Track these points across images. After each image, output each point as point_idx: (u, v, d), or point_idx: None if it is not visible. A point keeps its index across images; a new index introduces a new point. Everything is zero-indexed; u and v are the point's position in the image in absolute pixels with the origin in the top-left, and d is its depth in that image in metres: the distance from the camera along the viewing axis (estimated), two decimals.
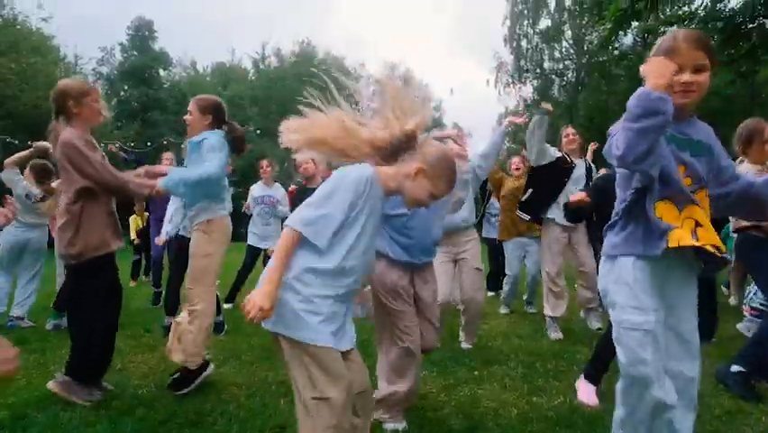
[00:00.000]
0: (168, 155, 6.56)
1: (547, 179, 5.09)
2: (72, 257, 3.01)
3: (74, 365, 3.08)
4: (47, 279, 5.96)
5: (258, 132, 24.23)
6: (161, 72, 32.91)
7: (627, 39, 15.27)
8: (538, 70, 25.78)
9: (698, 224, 1.81)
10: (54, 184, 5.38)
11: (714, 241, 1.80)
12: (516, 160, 6.41)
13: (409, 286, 2.82)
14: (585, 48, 24.08)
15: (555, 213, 5.03)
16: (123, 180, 3.07)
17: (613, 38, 9.56)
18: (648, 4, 7.61)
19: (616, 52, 11.54)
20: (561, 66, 25.80)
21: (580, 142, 5.41)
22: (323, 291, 1.77)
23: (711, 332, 4.71)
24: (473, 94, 53.46)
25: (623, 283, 1.87)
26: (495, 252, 7.50)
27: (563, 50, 25.68)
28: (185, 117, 3.43)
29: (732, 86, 13.48)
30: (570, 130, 5.47)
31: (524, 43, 25.39)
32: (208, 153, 3.16)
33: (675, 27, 11.62)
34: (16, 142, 16.13)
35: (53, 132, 3.12)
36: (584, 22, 22.63)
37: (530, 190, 5.22)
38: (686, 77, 1.77)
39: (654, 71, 1.69)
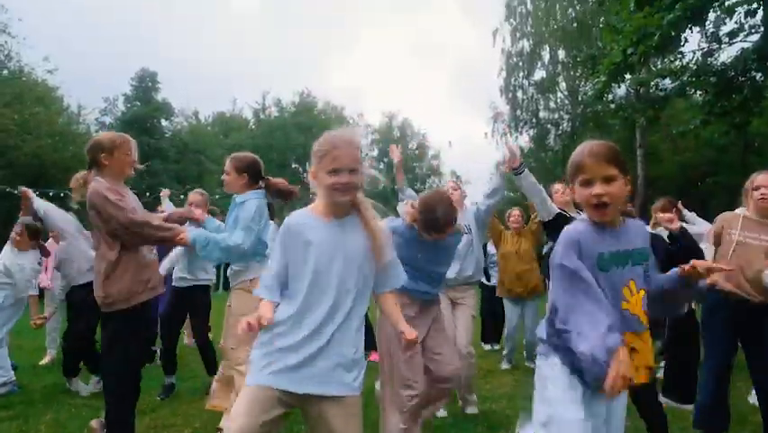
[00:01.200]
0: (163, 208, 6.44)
1: (555, 236, 5.10)
2: (104, 305, 3.01)
3: (112, 420, 2.97)
4: (30, 333, 5.78)
5: None
6: (163, 122, 33.41)
7: (621, 89, 15.56)
8: (534, 120, 26.19)
9: (633, 349, 1.77)
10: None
11: (647, 363, 1.81)
12: (515, 212, 6.31)
13: (417, 318, 2.86)
14: (579, 98, 24.54)
15: None
16: (149, 222, 3.07)
17: (607, 90, 9.72)
18: (641, 58, 7.76)
19: (612, 106, 11.70)
20: (556, 116, 26.23)
21: (572, 196, 5.39)
22: (282, 338, 1.89)
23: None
24: (471, 143, 54.29)
25: (557, 378, 1.81)
26: (494, 300, 7.31)
27: (558, 100, 26.17)
28: (222, 177, 3.49)
29: (726, 136, 13.67)
30: (557, 186, 5.46)
31: (519, 94, 25.90)
32: (243, 223, 3.22)
33: (668, 80, 11.87)
34: (15, 192, 16.22)
35: (82, 180, 3.21)
36: (578, 74, 23.15)
37: (548, 244, 5.29)
38: (596, 189, 1.78)
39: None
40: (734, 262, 3.38)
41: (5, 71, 23.53)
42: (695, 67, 10.33)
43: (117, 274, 2.98)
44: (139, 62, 53.65)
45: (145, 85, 32.18)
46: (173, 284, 4.90)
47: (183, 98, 55.45)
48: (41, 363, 6.45)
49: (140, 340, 3.21)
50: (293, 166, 40.68)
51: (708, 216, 4.95)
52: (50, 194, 17.81)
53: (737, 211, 3.67)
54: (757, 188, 3.52)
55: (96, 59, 47.75)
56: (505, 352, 6.34)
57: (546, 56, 25.41)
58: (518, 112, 26.11)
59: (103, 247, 3.01)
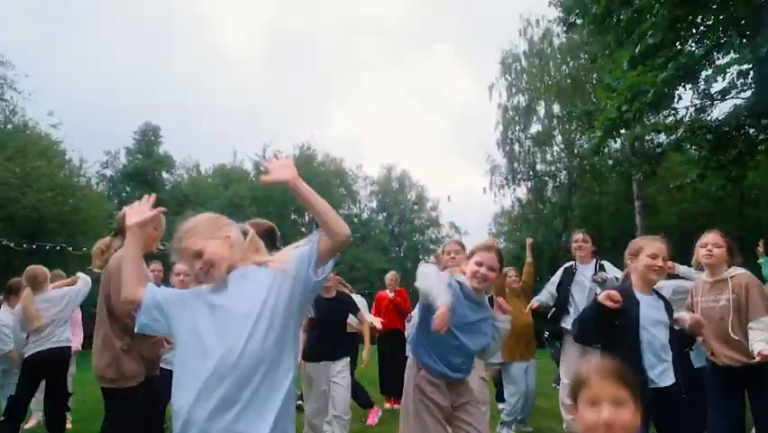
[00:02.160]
0: (156, 266, 6.06)
1: (559, 294, 5.26)
2: (104, 382, 2.99)
3: None
4: None
5: None
6: (164, 174, 33.75)
7: (617, 143, 15.79)
8: (531, 172, 26.49)
9: None
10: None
11: None
12: (512, 273, 6.18)
13: (443, 399, 2.80)
14: (576, 151, 24.89)
15: (568, 322, 5.09)
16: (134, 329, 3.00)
17: (603, 145, 9.85)
18: (635, 115, 7.89)
19: (610, 162, 11.85)
20: (553, 168, 26.55)
21: (589, 248, 5.51)
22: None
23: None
24: (469, 194, 54.67)
25: None
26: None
27: (555, 153, 26.55)
28: None
29: (723, 189, 13.81)
30: (578, 236, 5.52)
31: (516, 147, 26.29)
32: None
33: (663, 134, 12.05)
34: (12, 245, 16.15)
35: (104, 247, 3.28)
36: (573, 127, 23.58)
37: (553, 309, 5.37)
38: (605, 413, 1.49)
39: None
40: (707, 330, 3.42)
41: (10, 126, 23.94)
42: (689, 122, 10.52)
43: (122, 362, 2.96)
44: (140, 113, 54.76)
45: (148, 138, 32.72)
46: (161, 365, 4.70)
47: (184, 150, 56.38)
48: (25, 428, 6.20)
49: (141, 416, 3.11)
50: (292, 217, 40.79)
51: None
52: (47, 247, 17.84)
53: (703, 275, 3.76)
54: (704, 246, 3.59)
55: (98, 110, 48.70)
56: (515, 417, 6.00)
57: (542, 110, 25.96)
58: (516, 165, 26.44)
59: (108, 332, 2.98)
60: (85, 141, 42.61)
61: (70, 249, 16.25)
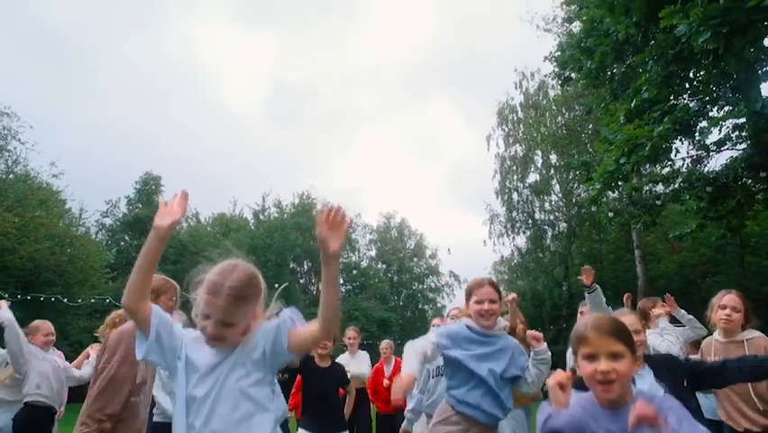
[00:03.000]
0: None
1: None
2: None
3: None
4: None
5: None
6: None
7: (615, 193, 15.87)
8: (530, 221, 26.54)
9: None
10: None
11: None
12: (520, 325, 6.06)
13: None
14: (574, 200, 25.03)
15: None
16: (117, 415, 2.88)
17: (601, 197, 9.90)
18: (633, 167, 7.95)
19: (610, 214, 11.88)
20: (552, 217, 26.63)
21: None
22: None
23: None
24: (468, 242, 54.64)
25: None
26: None
27: (553, 202, 26.69)
28: None
29: (723, 238, 13.80)
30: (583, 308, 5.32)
31: (515, 196, 26.44)
32: None
33: (660, 185, 12.12)
34: (6, 295, 15.94)
35: (118, 319, 3.21)
36: (570, 177, 23.78)
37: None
38: (602, 365, 1.69)
39: (552, 399, 1.80)
40: (722, 393, 3.32)
41: (12, 176, 24.09)
42: (685, 172, 10.60)
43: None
44: (141, 162, 55.33)
45: (148, 187, 32.90)
46: (155, 419, 4.45)
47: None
48: None
49: None
50: (291, 266, 40.57)
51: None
52: (41, 299, 17.63)
53: (714, 335, 3.63)
54: (723, 308, 3.45)
55: (100, 160, 49.22)
56: None
57: (539, 160, 26.27)
58: (514, 213, 26.52)
59: (90, 411, 2.86)
60: (86, 189, 42.85)
61: (65, 300, 16.04)
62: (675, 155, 8.70)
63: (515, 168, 26.32)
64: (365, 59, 73.98)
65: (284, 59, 73.58)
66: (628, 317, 2.66)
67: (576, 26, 10.91)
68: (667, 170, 10.55)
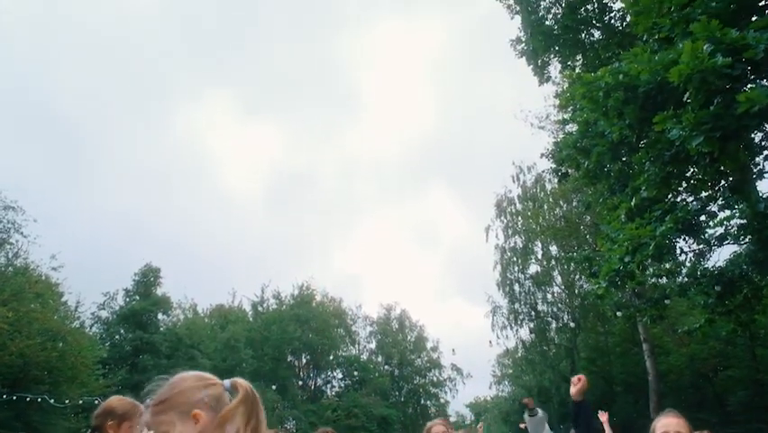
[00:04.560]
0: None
1: None
2: None
3: None
4: None
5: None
6: (160, 315, 33.21)
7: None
8: (533, 313, 26.14)
9: None
10: None
11: None
12: None
13: None
14: (576, 291, 24.79)
15: None
16: None
17: (608, 296, 9.77)
18: (638, 266, 7.89)
19: (618, 314, 11.71)
20: (555, 309, 26.28)
21: None
22: None
23: None
24: (469, 333, 53.44)
25: None
26: None
27: (555, 293, 26.45)
28: None
29: (733, 333, 13.53)
30: None
31: (516, 288, 26.26)
32: None
33: (665, 279, 12.01)
34: None
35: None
36: (571, 268, 23.70)
37: None
38: None
39: None
40: None
41: (11, 268, 23.95)
42: (689, 266, 10.53)
43: None
44: (142, 250, 55.30)
45: (147, 279, 32.69)
46: None
47: (183, 290, 56.01)
48: None
49: None
50: (288, 360, 39.44)
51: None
52: (28, 399, 16.87)
53: None
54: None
55: (101, 248, 49.34)
56: None
57: (539, 251, 26.35)
58: (516, 305, 26.20)
59: None
60: (86, 278, 42.61)
61: (52, 401, 15.33)
62: (680, 255, 8.67)
63: (515, 259, 26.34)
64: (365, 149, 76.53)
65: (285, 149, 76.12)
66: None
67: (571, 126, 11.30)
68: (670, 263, 10.50)
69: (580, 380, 3.74)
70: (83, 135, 66.57)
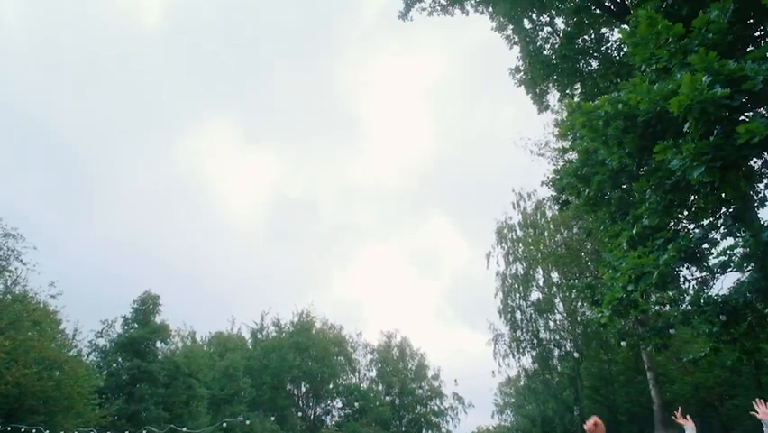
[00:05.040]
0: None
1: None
2: None
3: None
4: None
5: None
6: (158, 344, 32.89)
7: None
8: (535, 341, 25.89)
9: None
10: None
11: None
12: None
13: None
14: (579, 319, 24.58)
15: None
16: None
17: (611, 325, 9.67)
18: (642, 294, 7.83)
19: (622, 343, 11.62)
20: (557, 336, 26.03)
21: None
22: None
23: None
24: (471, 360, 52.82)
25: None
26: None
27: (557, 321, 26.24)
28: None
29: (739, 362, 13.37)
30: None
31: (518, 315, 26.07)
32: None
33: (668, 307, 11.90)
34: None
35: None
36: (573, 295, 23.55)
37: None
38: None
39: None
40: None
41: (9, 296, 23.82)
42: (692, 294, 10.45)
43: None
44: (141, 276, 55.03)
45: (146, 307, 32.47)
46: None
47: (182, 317, 55.61)
48: None
49: None
50: (287, 388, 38.91)
51: None
52: (22, 430, 16.57)
53: None
54: None
55: (100, 275, 49.17)
56: None
57: (540, 278, 26.23)
58: (518, 333, 25.97)
59: None
60: (84, 305, 42.28)
61: (47, 432, 15.07)
62: (684, 284, 8.62)
63: (516, 286, 26.21)
64: (365, 177, 76.84)
65: (286, 177, 76.41)
66: None
67: (571, 155, 11.35)
68: (674, 291, 10.42)
69: None
70: (84, 162, 67.11)
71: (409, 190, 77.84)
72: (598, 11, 15.91)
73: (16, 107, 61.45)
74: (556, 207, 14.95)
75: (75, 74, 73.70)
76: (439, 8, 17.00)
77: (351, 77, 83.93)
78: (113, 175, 66.72)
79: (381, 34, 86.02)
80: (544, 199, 20.72)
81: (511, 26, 17.59)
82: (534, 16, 17.29)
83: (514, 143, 43.20)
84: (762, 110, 6.71)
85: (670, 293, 11.60)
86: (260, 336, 41.79)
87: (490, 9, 17.48)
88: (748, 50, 7.48)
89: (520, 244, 26.32)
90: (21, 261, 23.62)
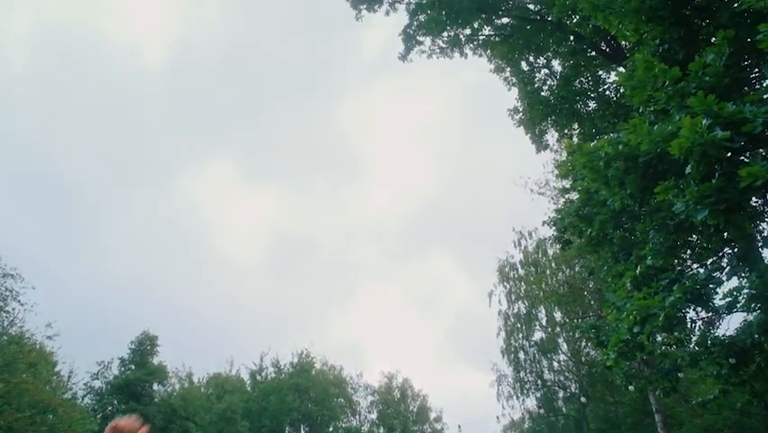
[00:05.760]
0: None
1: None
2: None
3: None
4: None
5: None
6: (155, 386, 32.29)
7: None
8: (539, 382, 25.38)
9: None
10: None
11: None
12: None
13: None
14: (583, 359, 24.16)
15: None
16: None
17: (617, 367, 9.50)
18: (648, 337, 7.71)
19: (630, 388, 11.38)
20: (562, 377, 25.54)
21: None
22: None
23: None
24: (474, 402, 51.70)
25: None
26: None
27: (562, 361, 25.79)
28: None
29: (749, 404, 13.05)
30: None
31: (521, 355, 25.65)
32: None
33: (674, 347, 11.70)
34: None
35: None
36: (577, 335, 23.23)
37: None
38: None
39: None
40: None
41: (5, 337, 23.49)
42: (698, 334, 10.30)
43: None
44: (139, 315, 54.40)
45: (143, 348, 32.04)
46: None
47: (180, 357, 54.65)
48: None
49: None
50: (286, 431, 37.97)
51: None
52: None
53: None
54: None
55: (98, 313, 48.65)
56: None
57: (543, 317, 25.93)
58: (522, 374, 25.49)
59: None
60: (81, 344, 41.68)
61: None
62: (692, 326, 8.50)
63: (519, 325, 25.89)
64: (365, 215, 77.01)
65: (285, 215, 76.58)
66: None
67: (572, 195, 11.39)
68: (680, 333, 10.27)
69: None
70: (82, 202, 67.38)
71: (410, 228, 77.96)
72: (593, 53, 16.26)
73: (15, 149, 62.14)
74: (558, 246, 14.90)
75: (74, 116, 74.85)
76: (438, 51, 17.39)
77: (351, 114, 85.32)
78: (113, 214, 67.02)
79: (381, 73, 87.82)
80: (545, 238, 20.76)
81: (509, 68, 17.96)
82: (531, 58, 17.67)
83: (514, 183, 43.47)
84: (762, 151, 6.77)
85: (676, 334, 11.44)
86: (258, 377, 41.04)
87: (488, 52, 17.89)
88: (745, 89, 7.60)
89: (522, 283, 26.13)
90: (19, 301, 23.37)
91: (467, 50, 17.60)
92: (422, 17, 16.42)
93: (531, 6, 16.57)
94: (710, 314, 10.48)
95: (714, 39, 7.66)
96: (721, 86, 7.21)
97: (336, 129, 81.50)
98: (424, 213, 78.57)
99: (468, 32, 16.93)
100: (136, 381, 30.44)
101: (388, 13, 16.87)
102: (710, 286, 8.62)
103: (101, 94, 73.72)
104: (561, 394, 25.52)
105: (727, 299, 8.08)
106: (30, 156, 64.98)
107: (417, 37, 16.91)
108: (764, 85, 7.79)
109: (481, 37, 17.36)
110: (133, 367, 31.45)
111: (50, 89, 74.56)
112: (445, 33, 16.67)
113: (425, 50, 17.27)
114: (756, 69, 8.36)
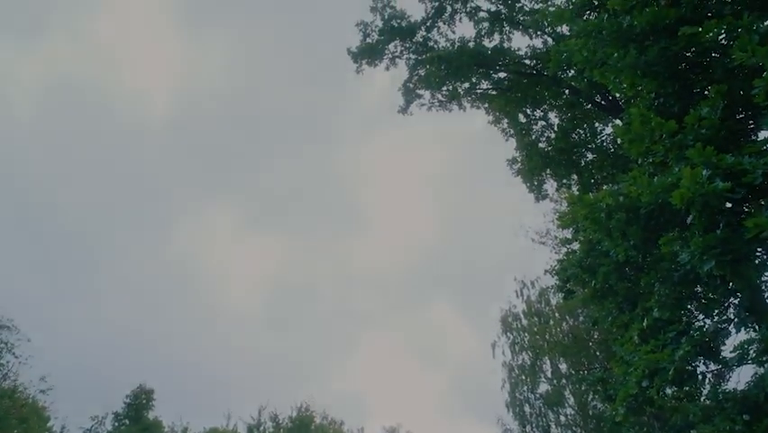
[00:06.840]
0: None
1: None
2: None
3: None
4: None
5: None
6: None
7: None
8: None
9: None
10: None
11: None
12: None
13: None
14: (590, 412, 23.45)
15: None
16: None
17: (626, 423, 9.22)
18: (658, 391, 7.53)
19: None
20: (569, 432, 24.72)
21: None
22: None
23: None
24: None
25: None
26: None
27: (569, 415, 25.02)
28: None
29: None
30: None
31: (527, 409, 24.93)
32: None
33: (684, 400, 11.38)
34: None
35: None
36: (583, 388, 22.65)
37: None
38: None
39: None
40: None
41: None
42: (709, 387, 10.05)
43: None
44: (135, 368, 53.18)
45: (139, 402, 31.23)
46: None
47: (176, 411, 53.09)
48: None
49: None
50: None
51: None
52: None
53: None
54: None
55: (93, 366, 47.50)
56: None
57: (548, 369, 25.36)
58: (528, 428, 24.69)
59: None
60: (75, 396, 40.50)
61: None
62: (704, 381, 8.31)
63: (523, 377, 25.29)
64: (366, 264, 76.52)
65: (285, 264, 76.11)
66: None
67: (574, 245, 11.38)
68: (690, 387, 10.02)
69: None
70: (77, 251, 66.96)
71: (411, 277, 77.26)
72: (589, 106, 16.63)
73: (12, 195, 62.33)
74: (561, 296, 14.77)
75: (70, 162, 75.32)
76: (437, 104, 17.80)
77: (351, 163, 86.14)
78: (111, 262, 66.52)
79: (381, 123, 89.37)
80: (547, 287, 20.59)
81: (506, 120, 18.32)
82: (528, 111, 18.05)
83: (515, 234, 43.46)
84: (762, 202, 6.80)
85: (686, 388, 11.16)
86: (256, 432, 39.75)
87: (486, 105, 18.31)
88: (742, 141, 7.70)
89: (526, 334, 25.70)
90: (14, 354, 23.04)
91: (465, 103, 18.01)
92: (421, 72, 16.89)
93: (527, 62, 17.04)
94: (720, 367, 10.28)
95: (708, 92, 7.84)
96: (718, 138, 7.31)
97: (337, 178, 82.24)
98: (425, 262, 78.09)
99: (466, 85, 17.37)
100: None
101: (388, 67, 17.36)
102: (720, 338, 8.48)
103: (103, 143, 74.71)
104: None
105: (738, 352, 7.93)
106: (32, 203, 65.21)
107: (417, 91, 17.34)
108: (761, 137, 7.91)
109: (479, 90, 17.79)
110: (128, 422, 30.53)
111: (54, 135, 75.40)
112: (444, 87, 17.09)
113: (424, 103, 17.68)
114: (751, 122, 8.51)
